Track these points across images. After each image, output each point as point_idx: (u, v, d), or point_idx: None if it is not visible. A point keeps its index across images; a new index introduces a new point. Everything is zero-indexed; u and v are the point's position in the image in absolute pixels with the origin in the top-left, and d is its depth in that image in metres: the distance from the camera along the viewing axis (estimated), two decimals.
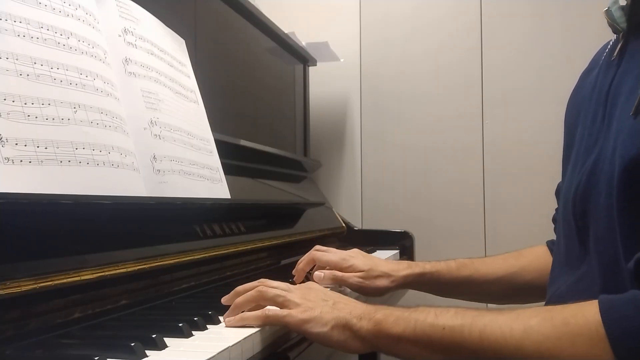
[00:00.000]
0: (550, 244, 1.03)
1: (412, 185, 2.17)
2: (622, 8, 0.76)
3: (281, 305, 0.75)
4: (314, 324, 0.72)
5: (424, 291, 1.09)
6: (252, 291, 0.77)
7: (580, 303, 0.61)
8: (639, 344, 0.54)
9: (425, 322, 0.67)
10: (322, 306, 0.74)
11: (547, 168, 1.94)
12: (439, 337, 0.65)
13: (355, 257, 1.06)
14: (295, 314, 0.73)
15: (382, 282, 1.02)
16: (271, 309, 0.74)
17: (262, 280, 0.81)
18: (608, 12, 0.78)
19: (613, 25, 0.78)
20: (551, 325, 0.60)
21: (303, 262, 1.06)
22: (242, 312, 0.75)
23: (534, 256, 1.04)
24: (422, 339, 0.66)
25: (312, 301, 0.75)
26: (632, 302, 0.57)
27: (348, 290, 1.06)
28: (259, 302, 0.76)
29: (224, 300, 0.80)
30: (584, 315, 0.59)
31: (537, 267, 1.02)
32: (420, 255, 1.81)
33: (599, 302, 0.59)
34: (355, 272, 1.02)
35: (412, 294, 1.62)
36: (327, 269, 1.05)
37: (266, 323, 0.73)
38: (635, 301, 0.56)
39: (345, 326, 0.71)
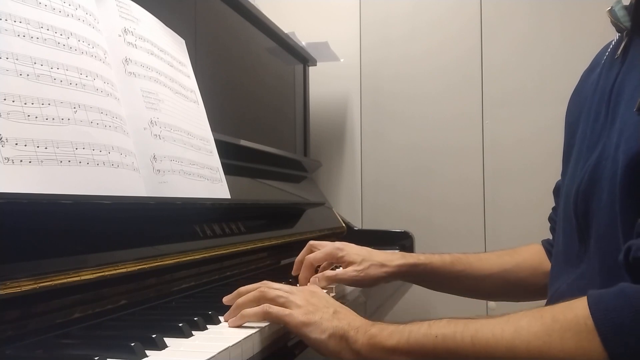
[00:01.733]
0: (546, 244, 1.03)
1: (412, 185, 2.17)
2: (626, 7, 0.77)
3: (283, 306, 0.75)
4: (313, 329, 0.72)
5: (418, 283, 1.09)
6: (254, 291, 0.78)
7: (570, 301, 0.61)
8: (627, 335, 0.54)
9: (418, 333, 0.67)
10: (323, 312, 0.74)
11: (547, 168, 1.94)
12: (432, 345, 0.65)
13: (348, 245, 1.06)
14: (296, 315, 0.73)
15: (376, 272, 1.02)
16: (273, 306, 0.75)
17: (264, 282, 0.81)
18: (611, 12, 0.78)
19: (616, 24, 0.79)
20: (541, 323, 0.60)
21: (301, 253, 1.06)
22: None
23: (528, 254, 1.05)
24: (415, 349, 0.66)
25: (313, 305, 0.75)
26: (620, 294, 0.57)
27: (348, 289, 1.07)
28: (261, 302, 0.76)
29: (226, 300, 0.81)
30: (573, 310, 0.59)
31: (531, 265, 1.02)
32: None
33: (587, 297, 0.59)
34: (348, 262, 1.02)
35: (415, 294, 1.63)
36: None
37: (266, 319, 0.74)
38: (623, 293, 0.56)
39: (342, 337, 0.71)
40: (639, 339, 0.54)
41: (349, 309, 0.78)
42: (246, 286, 0.80)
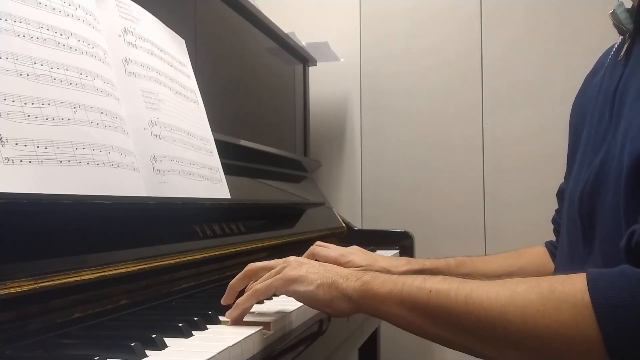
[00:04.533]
0: (550, 245, 1.03)
1: (412, 184, 2.17)
2: (628, 10, 0.77)
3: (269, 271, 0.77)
4: (300, 283, 0.73)
5: None
6: (243, 270, 0.80)
7: (570, 274, 0.60)
8: (622, 316, 0.54)
9: (412, 285, 0.66)
10: (309, 266, 0.75)
11: (547, 165, 1.94)
12: (425, 299, 0.64)
13: (354, 253, 1.06)
14: (281, 277, 0.74)
15: None
16: (257, 283, 0.76)
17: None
18: (614, 14, 0.79)
19: (619, 26, 0.79)
20: (538, 292, 0.59)
21: (304, 255, 1.06)
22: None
23: (533, 256, 1.05)
24: (407, 300, 0.66)
25: (298, 262, 0.77)
26: (620, 275, 0.56)
27: None
28: (249, 274, 0.79)
29: (223, 301, 0.81)
30: (571, 283, 0.58)
31: (536, 267, 1.02)
32: (420, 255, 1.81)
33: (587, 273, 0.58)
34: (353, 268, 1.02)
35: None
36: None
37: (258, 297, 0.75)
38: (624, 274, 0.56)
39: (331, 285, 0.72)
40: (634, 321, 0.53)
41: (334, 265, 0.79)
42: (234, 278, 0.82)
